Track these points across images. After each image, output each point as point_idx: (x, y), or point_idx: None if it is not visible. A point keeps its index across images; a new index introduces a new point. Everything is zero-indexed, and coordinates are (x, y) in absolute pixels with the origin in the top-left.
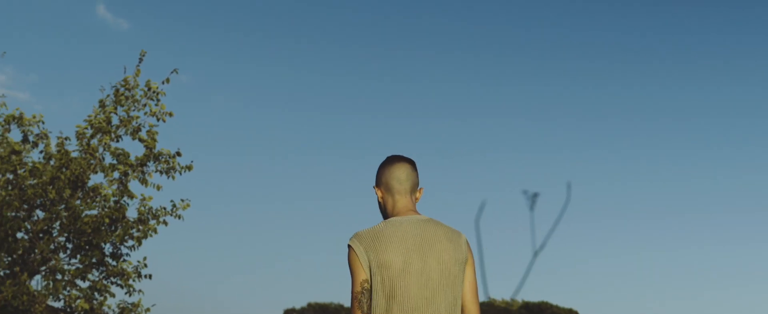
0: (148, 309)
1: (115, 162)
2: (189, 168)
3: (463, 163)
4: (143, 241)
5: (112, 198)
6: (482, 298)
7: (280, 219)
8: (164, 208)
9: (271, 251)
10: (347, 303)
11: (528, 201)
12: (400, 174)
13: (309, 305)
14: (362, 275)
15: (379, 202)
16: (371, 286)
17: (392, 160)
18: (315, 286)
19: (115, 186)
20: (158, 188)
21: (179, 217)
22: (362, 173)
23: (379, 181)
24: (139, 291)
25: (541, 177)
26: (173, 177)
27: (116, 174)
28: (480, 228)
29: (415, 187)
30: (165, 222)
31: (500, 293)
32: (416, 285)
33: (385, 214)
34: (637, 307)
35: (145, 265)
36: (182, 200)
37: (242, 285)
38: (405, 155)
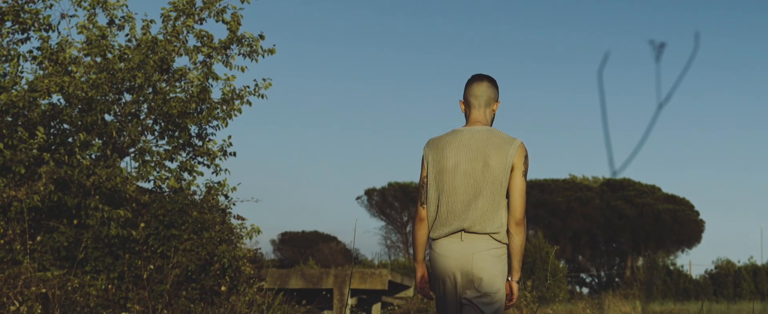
0: (234, 188)
1: (199, 44)
2: (272, 51)
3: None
4: (229, 121)
5: (197, 81)
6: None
7: (362, 102)
8: (247, 87)
9: (353, 132)
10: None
11: (654, 52)
12: (476, 91)
13: (389, 184)
14: (424, 172)
15: (464, 113)
16: (428, 181)
17: (473, 79)
18: (396, 167)
19: (199, 70)
20: (243, 70)
21: (263, 97)
22: (444, 61)
23: (464, 96)
24: (226, 170)
25: (668, 27)
26: (256, 60)
27: (200, 57)
28: (603, 79)
29: (490, 102)
30: (249, 102)
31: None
32: (462, 183)
33: (467, 123)
34: (722, 186)
35: (231, 144)
36: (264, 79)
37: (325, 164)
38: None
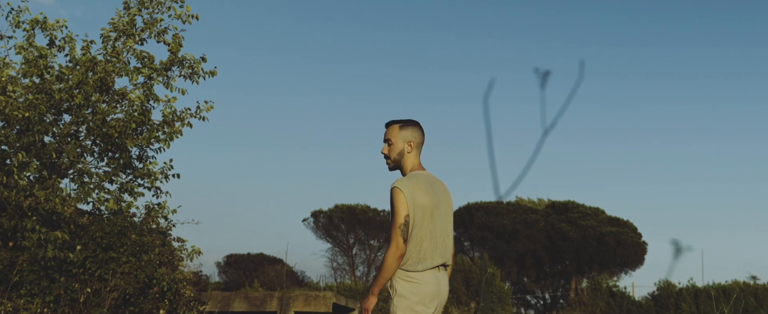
0: (174, 210)
1: (139, 65)
2: (213, 73)
3: (474, 41)
4: (170, 144)
5: (138, 102)
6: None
7: (309, 124)
8: (188, 110)
9: (300, 154)
10: (373, 205)
11: (539, 80)
12: (417, 134)
13: (336, 207)
14: (405, 211)
15: (402, 153)
16: (410, 220)
17: (418, 123)
18: (342, 189)
19: (140, 91)
20: (183, 92)
21: (204, 119)
22: (388, 76)
23: (415, 138)
24: (167, 192)
25: (553, 56)
26: (197, 82)
27: (141, 78)
28: (489, 106)
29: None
30: (190, 124)
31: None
32: (440, 222)
33: (403, 162)
34: (664, 209)
35: (171, 166)
36: (206, 102)
37: (272, 186)
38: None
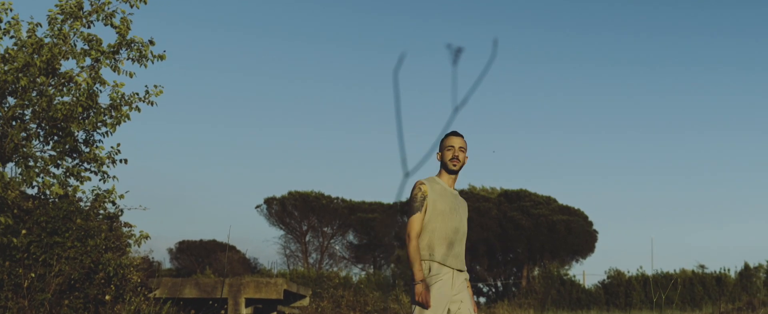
0: (121, 195)
1: (87, 47)
2: (161, 57)
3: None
4: (118, 128)
5: (84, 85)
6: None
7: (262, 110)
8: (137, 94)
9: (253, 140)
10: (327, 192)
11: (451, 56)
12: (460, 141)
13: (289, 194)
14: (426, 201)
15: (439, 159)
16: (427, 211)
17: (455, 135)
18: (296, 176)
19: (86, 74)
20: (131, 76)
21: (152, 104)
22: (344, 60)
23: (443, 146)
24: (114, 177)
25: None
26: (145, 66)
27: (88, 61)
28: (399, 81)
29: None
30: (138, 109)
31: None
32: (451, 224)
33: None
34: (614, 197)
35: (119, 151)
36: (155, 86)
37: (225, 173)
38: None
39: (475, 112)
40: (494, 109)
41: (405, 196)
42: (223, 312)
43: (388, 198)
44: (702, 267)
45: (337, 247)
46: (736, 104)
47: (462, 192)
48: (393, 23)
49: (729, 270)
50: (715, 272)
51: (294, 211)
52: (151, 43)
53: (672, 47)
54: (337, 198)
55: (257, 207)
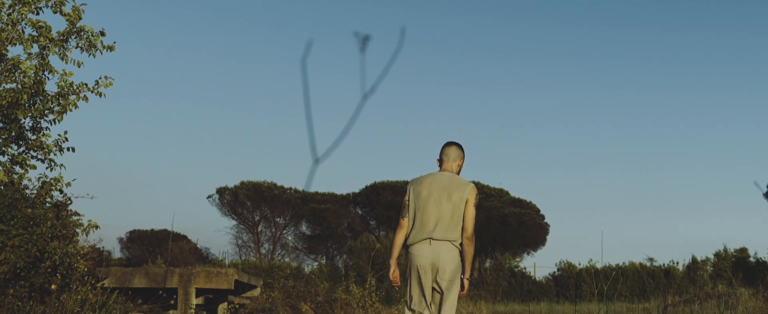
0: (68, 183)
1: (35, 34)
2: (111, 48)
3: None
4: (65, 116)
5: (31, 72)
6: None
7: (214, 99)
8: (86, 85)
9: (205, 129)
10: (279, 182)
11: (359, 44)
12: (448, 152)
13: (242, 183)
14: (406, 197)
15: (438, 165)
16: (409, 204)
17: (446, 144)
18: (248, 166)
19: (34, 61)
20: (79, 65)
21: (101, 95)
22: (294, 42)
23: (439, 155)
24: (61, 165)
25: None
26: (94, 56)
27: (35, 48)
28: (307, 68)
29: (456, 159)
30: (85, 98)
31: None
32: (432, 206)
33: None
34: (567, 188)
35: (66, 139)
36: (105, 77)
37: (176, 162)
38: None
39: (430, 103)
40: (449, 100)
41: (313, 184)
42: (172, 301)
43: (342, 189)
44: (651, 260)
45: (289, 238)
46: (686, 99)
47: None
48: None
49: (677, 263)
50: (663, 265)
51: (246, 201)
52: (102, 33)
53: (622, 40)
54: (290, 188)
55: (209, 197)
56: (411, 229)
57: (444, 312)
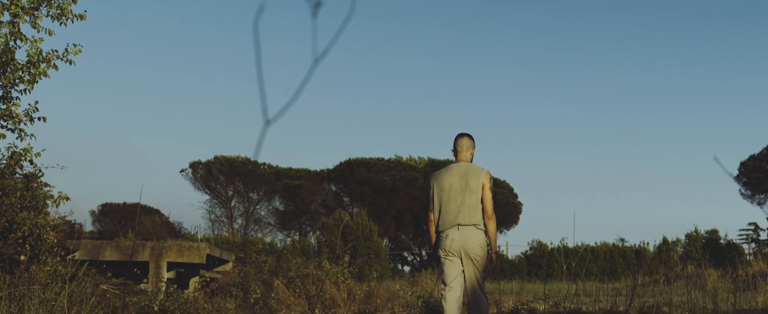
0: (38, 154)
1: (6, 2)
2: (82, 17)
3: None
4: (36, 86)
5: (2, 40)
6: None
7: (187, 71)
8: (55, 52)
9: (179, 103)
10: (254, 158)
11: (311, 9)
12: (461, 142)
13: (215, 158)
14: (431, 191)
15: (453, 155)
16: (434, 198)
17: (459, 135)
18: (222, 140)
19: (5, 29)
20: (50, 33)
21: (71, 63)
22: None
23: (453, 146)
24: (31, 135)
25: None
26: (65, 24)
27: (6, 16)
28: (259, 31)
29: (469, 148)
30: (55, 67)
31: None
32: (454, 196)
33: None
34: (540, 168)
35: (37, 108)
36: (74, 45)
37: (149, 135)
38: None
39: (406, 82)
40: (426, 79)
41: (262, 147)
42: (145, 280)
43: (316, 165)
44: (622, 240)
45: (262, 213)
46: (657, 83)
47: (389, 161)
48: None
49: (648, 244)
50: (634, 245)
51: (220, 176)
52: (73, 1)
53: (595, 24)
54: (264, 163)
55: (182, 171)
56: (439, 218)
57: (470, 283)
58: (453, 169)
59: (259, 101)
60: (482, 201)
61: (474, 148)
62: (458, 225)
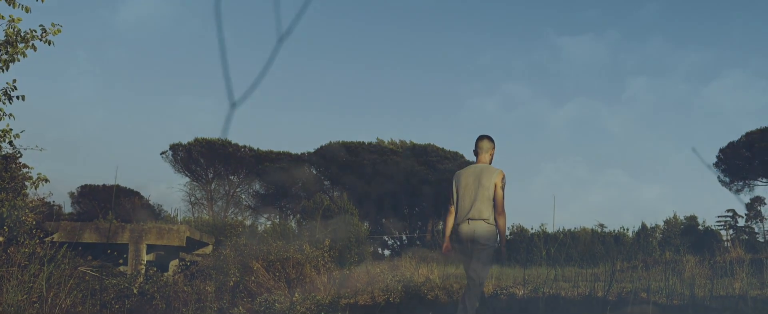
0: (17, 135)
1: None
2: None
3: None
4: (11, 66)
5: None
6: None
7: (167, 53)
8: (34, 31)
9: (158, 86)
10: (235, 140)
11: None
12: (482, 144)
13: (196, 140)
14: (453, 187)
15: (475, 155)
16: (454, 193)
17: (479, 138)
18: (203, 123)
19: None
20: (27, 10)
21: (50, 43)
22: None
23: (474, 148)
24: (10, 115)
25: None
26: (43, 0)
27: None
28: (221, 14)
29: (489, 150)
30: (34, 47)
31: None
32: (469, 193)
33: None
34: (519, 154)
35: (15, 88)
36: (53, 24)
37: (128, 118)
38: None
39: (385, 65)
40: (412, 63)
41: (229, 129)
42: (122, 261)
43: (297, 149)
44: (601, 226)
45: (243, 196)
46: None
47: (370, 145)
48: None
49: (627, 229)
50: (613, 231)
51: (200, 158)
52: None
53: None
54: (245, 146)
55: (163, 153)
56: (457, 212)
57: (476, 266)
58: (471, 169)
59: (223, 84)
60: (494, 199)
61: (494, 149)
62: (469, 219)
